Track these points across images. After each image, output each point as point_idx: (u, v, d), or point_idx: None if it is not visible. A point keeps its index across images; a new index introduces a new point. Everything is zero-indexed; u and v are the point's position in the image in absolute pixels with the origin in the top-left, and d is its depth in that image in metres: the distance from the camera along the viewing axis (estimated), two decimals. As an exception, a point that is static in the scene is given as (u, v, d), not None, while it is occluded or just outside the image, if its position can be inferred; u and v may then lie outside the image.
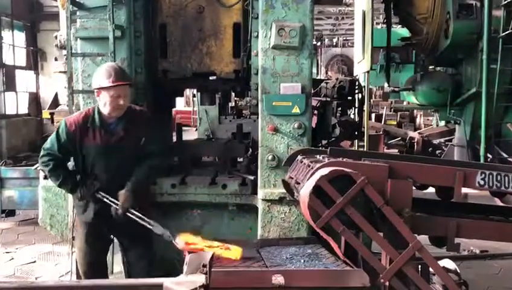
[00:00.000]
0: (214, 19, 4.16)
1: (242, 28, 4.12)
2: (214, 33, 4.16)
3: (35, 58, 15.24)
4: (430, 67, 8.42)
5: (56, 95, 13.24)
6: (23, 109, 14.81)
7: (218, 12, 4.15)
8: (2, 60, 13.61)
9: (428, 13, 7.09)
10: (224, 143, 4.77)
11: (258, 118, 3.90)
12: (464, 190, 2.84)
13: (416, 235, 2.66)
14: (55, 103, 12.70)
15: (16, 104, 14.51)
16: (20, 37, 14.86)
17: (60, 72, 8.95)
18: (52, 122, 9.57)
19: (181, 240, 2.89)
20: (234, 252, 2.82)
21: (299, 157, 3.18)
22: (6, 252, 5.65)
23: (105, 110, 3.30)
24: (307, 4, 3.70)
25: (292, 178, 3.11)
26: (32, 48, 15.12)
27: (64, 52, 4.15)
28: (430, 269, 2.81)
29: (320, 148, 4.31)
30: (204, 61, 4.20)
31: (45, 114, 10.96)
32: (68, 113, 4.18)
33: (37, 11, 15.16)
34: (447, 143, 9.30)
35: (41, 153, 3.39)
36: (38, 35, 15.21)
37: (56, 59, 10.61)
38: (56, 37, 5.16)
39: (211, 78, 4.35)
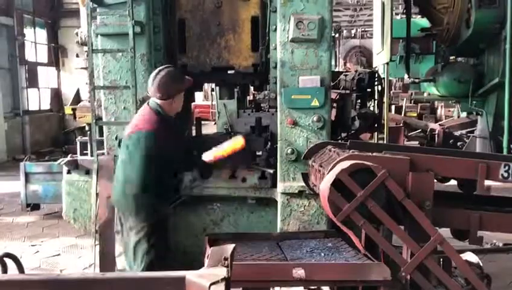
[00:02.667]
0: (232, 13, 4.16)
1: (260, 22, 4.11)
2: (232, 27, 4.17)
3: (57, 55, 15.49)
4: (451, 57, 8.28)
5: (78, 91, 13.43)
6: (46, 105, 15.08)
7: (236, 6, 4.15)
8: (24, 57, 13.87)
9: (448, 3, 6.97)
10: (243, 137, 4.77)
11: (276, 111, 3.90)
12: (487, 183, 2.80)
13: (437, 228, 2.64)
14: (76, 98, 12.89)
15: (39, 100, 14.79)
16: (41, 34, 15.11)
17: (82, 68, 9.08)
18: (75, 118, 9.71)
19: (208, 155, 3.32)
20: (236, 141, 3.33)
21: (310, 162, 3.17)
22: (32, 245, 5.78)
23: (175, 110, 3.35)
24: (325, -4, 3.67)
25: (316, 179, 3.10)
26: (53, 45, 15.36)
27: (85, 48, 4.21)
28: (452, 263, 2.78)
29: (340, 141, 4.29)
30: (223, 56, 4.21)
31: (67, 110, 11.11)
32: (90, 109, 4.24)
33: (57, 8, 15.38)
34: (468, 135, 9.12)
35: (139, 192, 3.12)
36: (59, 32, 15.45)
37: (77, 55, 10.76)
38: (77, 34, 5.24)
39: (229, 72, 4.37)
